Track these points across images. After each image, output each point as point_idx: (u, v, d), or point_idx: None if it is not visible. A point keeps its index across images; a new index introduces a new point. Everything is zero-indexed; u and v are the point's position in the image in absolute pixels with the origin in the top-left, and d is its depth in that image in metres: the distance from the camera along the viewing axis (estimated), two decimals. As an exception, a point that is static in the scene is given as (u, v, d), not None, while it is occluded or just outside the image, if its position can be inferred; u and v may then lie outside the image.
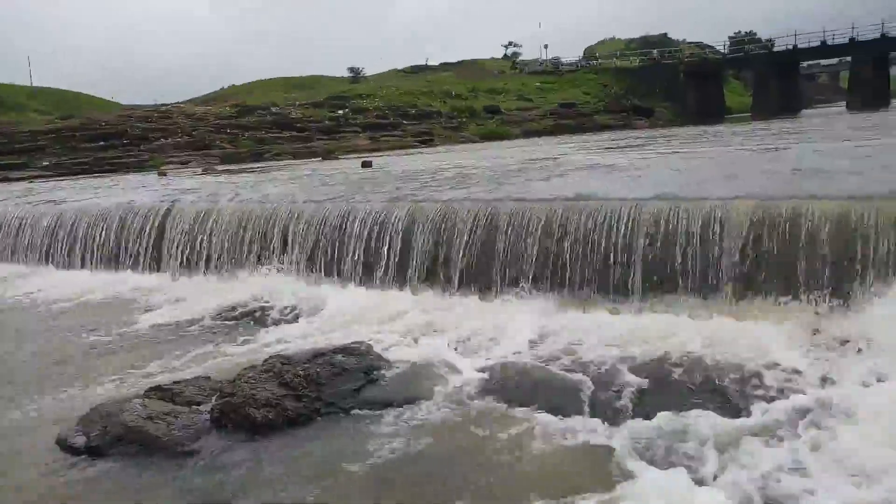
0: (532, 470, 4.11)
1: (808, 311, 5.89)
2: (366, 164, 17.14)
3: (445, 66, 62.70)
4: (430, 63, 65.05)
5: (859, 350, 5.19)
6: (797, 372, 5.03)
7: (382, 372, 5.62)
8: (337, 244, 8.69)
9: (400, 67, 64.30)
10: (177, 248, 10.19)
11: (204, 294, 8.85)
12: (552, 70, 58.07)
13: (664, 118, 45.28)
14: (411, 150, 28.82)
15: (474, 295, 7.45)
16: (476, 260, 7.65)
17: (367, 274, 8.34)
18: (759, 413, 4.48)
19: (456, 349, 6.12)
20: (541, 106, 45.05)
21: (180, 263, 10.05)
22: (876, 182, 7.42)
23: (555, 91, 50.25)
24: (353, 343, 6.11)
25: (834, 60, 70.85)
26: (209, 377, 5.69)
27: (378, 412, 4.99)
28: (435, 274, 7.87)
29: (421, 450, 4.42)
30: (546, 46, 64.28)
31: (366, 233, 8.50)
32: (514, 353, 5.86)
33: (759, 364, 5.20)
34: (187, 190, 13.51)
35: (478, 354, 5.96)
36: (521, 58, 64.65)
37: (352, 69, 61.35)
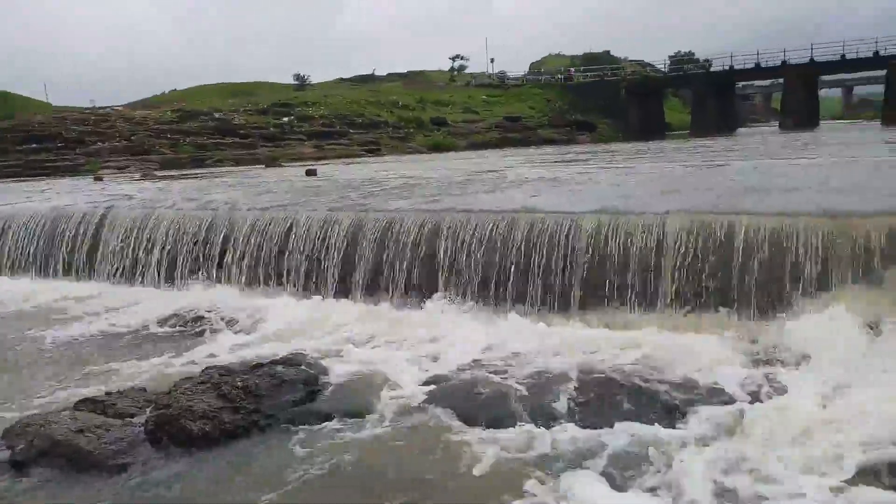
0: (471, 482, 4.12)
1: (743, 323, 6.07)
2: (310, 173, 16.98)
3: (392, 77, 62.74)
4: (377, 73, 64.96)
5: (791, 362, 5.37)
6: (731, 384, 5.15)
7: (324, 384, 5.56)
8: (280, 253, 8.57)
9: (346, 76, 64.03)
10: (112, 255, 9.89)
11: (141, 303, 8.60)
12: (498, 84, 58.73)
13: (607, 134, 46.23)
14: (357, 160, 28.70)
15: (419, 306, 7.43)
16: (421, 271, 7.65)
17: (310, 284, 8.24)
18: (694, 423, 4.59)
19: (399, 360, 6.09)
20: (487, 119, 45.45)
21: (116, 272, 9.76)
22: (808, 199, 7.74)
23: (500, 104, 50.79)
24: (294, 354, 6.03)
25: (767, 82, 73.64)
26: (144, 389, 5.54)
27: (318, 425, 4.93)
28: (379, 284, 7.83)
29: (360, 463, 4.37)
30: (493, 60, 64.91)
31: (309, 242, 8.41)
32: (457, 365, 5.86)
33: (695, 376, 5.32)
34: (124, 195, 13.12)
35: (421, 366, 5.94)
36: (467, 70, 65.09)
37: (297, 76, 60.49)
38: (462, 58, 66.78)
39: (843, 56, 45.88)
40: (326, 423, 4.96)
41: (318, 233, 8.42)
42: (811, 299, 5.81)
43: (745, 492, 3.80)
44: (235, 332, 7.34)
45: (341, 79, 63.13)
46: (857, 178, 9.97)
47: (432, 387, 5.46)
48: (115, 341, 7.35)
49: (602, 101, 51.68)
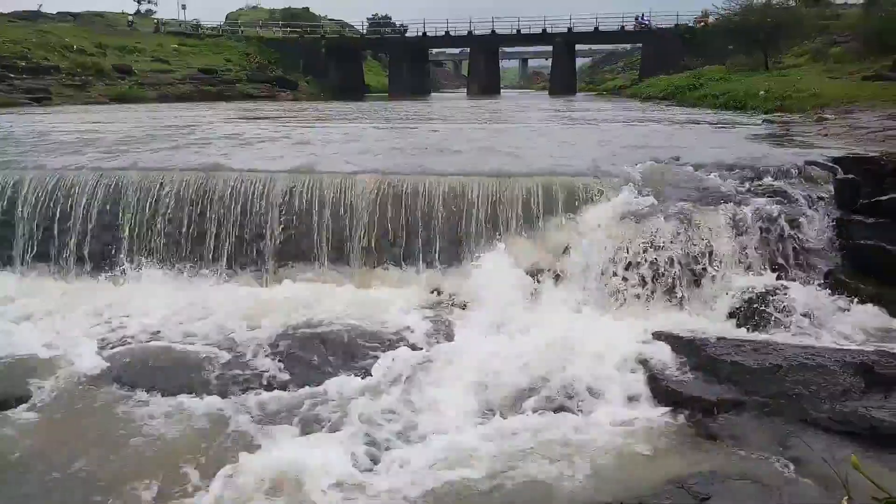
0: (150, 453, 3.92)
1: (429, 275, 6.53)
2: (-43, 123, 14.32)
3: (64, 16, 55.04)
4: (45, 10, 56.46)
5: (465, 308, 5.95)
6: (416, 331, 5.56)
7: (-23, 368, 4.83)
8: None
9: (4, 11, 54.65)
10: None
11: None
12: (192, 33, 54.85)
13: (308, 92, 45.93)
14: (21, 110, 24.87)
15: (98, 274, 6.77)
16: (99, 236, 6.95)
17: (-44, 254, 7.03)
18: (380, 371, 4.86)
19: (73, 335, 5.51)
20: (179, 70, 42.27)
21: None
22: (481, 161, 8.50)
23: (195, 55, 47.51)
24: (-66, 338, 5.14)
25: (457, 50, 79.23)
26: None
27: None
28: (48, 252, 6.96)
29: (14, 455, 3.90)
30: (184, 7, 60.20)
31: (-48, 205, 7.14)
32: (141, 334, 5.48)
33: (386, 327, 5.63)
34: None
35: (99, 339, 5.44)
36: (155, 15, 59.63)
37: (-63, 7, 50.16)
38: (149, 0, 61.03)
39: (518, 31, 50.96)
40: (-20, 411, 4.33)
41: (-35, 194, 7.18)
42: (484, 251, 6.42)
43: (422, 426, 4.18)
44: None
45: (-2, 13, 53.72)
46: (522, 142, 11.23)
47: (114, 360, 5.05)
48: None
49: (303, 58, 51.19)
